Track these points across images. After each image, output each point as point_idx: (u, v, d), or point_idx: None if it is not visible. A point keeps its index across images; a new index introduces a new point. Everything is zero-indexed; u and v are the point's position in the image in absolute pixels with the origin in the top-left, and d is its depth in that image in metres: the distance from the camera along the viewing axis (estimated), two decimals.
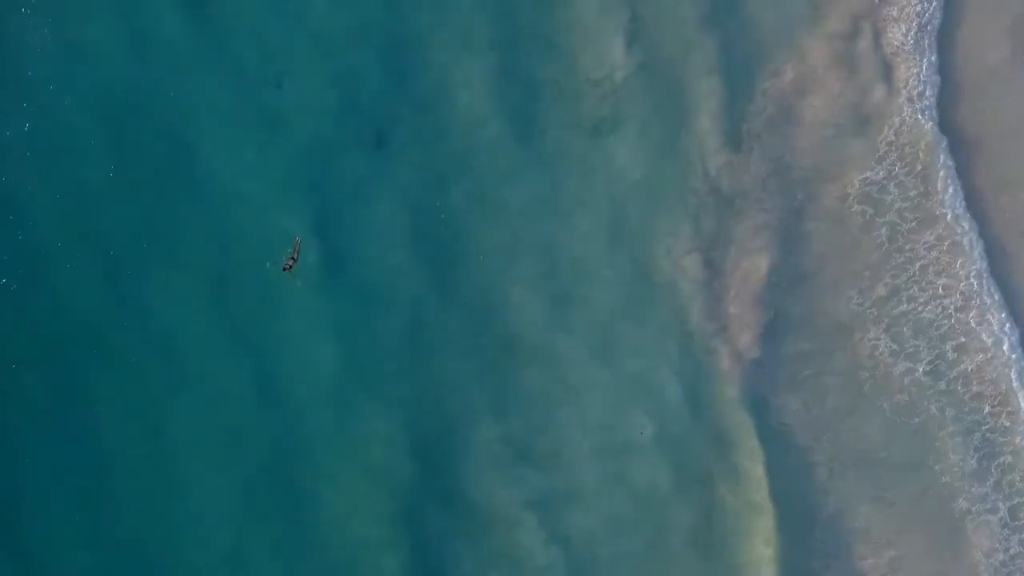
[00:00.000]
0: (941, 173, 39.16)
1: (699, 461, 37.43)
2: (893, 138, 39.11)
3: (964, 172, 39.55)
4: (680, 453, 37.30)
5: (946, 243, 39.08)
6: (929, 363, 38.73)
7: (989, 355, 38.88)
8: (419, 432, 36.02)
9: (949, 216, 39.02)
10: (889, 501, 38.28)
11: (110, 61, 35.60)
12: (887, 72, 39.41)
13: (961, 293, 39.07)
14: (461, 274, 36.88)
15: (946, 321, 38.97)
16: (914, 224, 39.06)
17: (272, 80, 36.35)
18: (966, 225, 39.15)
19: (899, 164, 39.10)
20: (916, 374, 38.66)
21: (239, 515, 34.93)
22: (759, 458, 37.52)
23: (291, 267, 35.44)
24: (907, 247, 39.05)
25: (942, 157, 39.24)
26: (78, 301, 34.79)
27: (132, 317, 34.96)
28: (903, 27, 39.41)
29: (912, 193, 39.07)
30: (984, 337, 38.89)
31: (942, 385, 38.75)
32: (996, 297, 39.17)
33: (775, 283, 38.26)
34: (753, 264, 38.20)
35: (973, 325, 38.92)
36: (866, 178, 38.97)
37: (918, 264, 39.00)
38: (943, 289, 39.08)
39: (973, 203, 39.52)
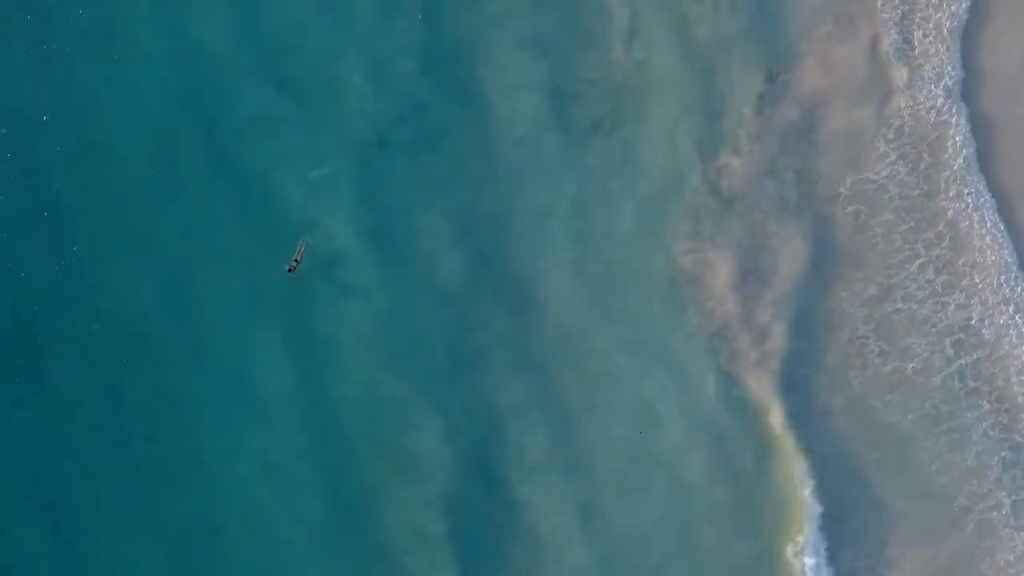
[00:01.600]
0: (953, 173, 39.33)
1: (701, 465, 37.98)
2: (906, 136, 39.26)
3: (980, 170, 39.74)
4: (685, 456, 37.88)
5: (947, 239, 39.17)
6: (922, 361, 38.75)
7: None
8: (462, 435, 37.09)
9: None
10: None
11: (155, 68, 37.44)
12: (896, 71, 39.68)
13: (963, 291, 39.06)
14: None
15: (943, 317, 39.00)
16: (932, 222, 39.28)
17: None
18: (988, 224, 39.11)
19: (904, 163, 39.28)
20: (906, 372, 38.73)
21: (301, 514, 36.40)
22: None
23: (294, 268, 36.59)
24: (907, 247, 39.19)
25: (958, 157, 39.33)
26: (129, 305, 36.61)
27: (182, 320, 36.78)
28: (921, 29, 39.75)
29: (915, 193, 39.19)
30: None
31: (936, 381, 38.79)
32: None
33: (774, 283, 38.62)
34: (753, 264, 38.57)
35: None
36: (868, 177, 39.25)
37: (917, 263, 39.05)
38: (942, 287, 39.06)
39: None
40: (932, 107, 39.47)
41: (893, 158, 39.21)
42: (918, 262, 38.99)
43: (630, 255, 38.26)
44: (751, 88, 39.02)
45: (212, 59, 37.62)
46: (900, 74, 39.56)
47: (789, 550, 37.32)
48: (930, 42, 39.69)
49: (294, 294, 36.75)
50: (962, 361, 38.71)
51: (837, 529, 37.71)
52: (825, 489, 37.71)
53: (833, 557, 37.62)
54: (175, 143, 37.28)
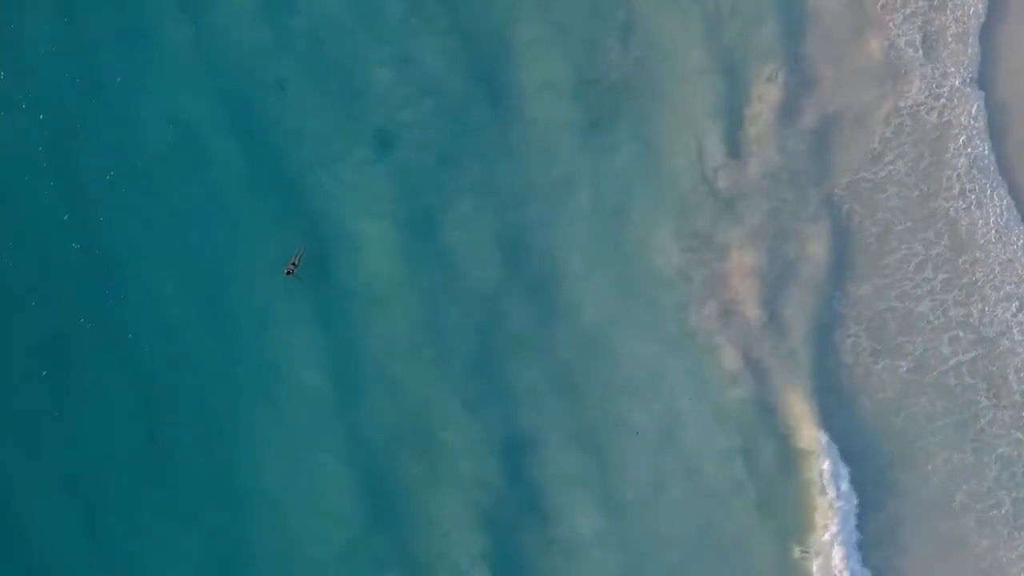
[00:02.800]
0: (957, 172, 39.38)
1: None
2: (907, 135, 39.31)
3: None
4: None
5: (945, 237, 39.24)
6: (914, 359, 38.87)
7: None
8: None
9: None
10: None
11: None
12: (902, 69, 39.60)
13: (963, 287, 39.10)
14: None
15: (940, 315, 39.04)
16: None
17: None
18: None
19: (902, 161, 39.28)
20: (900, 370, 38.81)
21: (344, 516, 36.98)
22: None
23: (292, 271, 37.14)
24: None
25: (962, 155, 39.34)
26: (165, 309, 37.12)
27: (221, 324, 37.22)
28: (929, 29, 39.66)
29: (915, 194, 39.33)
30: None
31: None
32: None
33: (773, 282, 38.71)
34: (751, 263, 38.68)
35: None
36: (865, 176, 39.38)
37: (914, 262, 39.10)
38: (941, 285, 39.02)
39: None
40: (935, 106, 39.39)
41: (891, 157, 39.21)
42: (916, 260, 39.15)
43: (626, 254, 38.46)
44: (750, 89, 39.01)
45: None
46: (906, 72, 39.46)
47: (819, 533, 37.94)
48: (940, 41, 39.59)
49: (323, 295, 37.32)
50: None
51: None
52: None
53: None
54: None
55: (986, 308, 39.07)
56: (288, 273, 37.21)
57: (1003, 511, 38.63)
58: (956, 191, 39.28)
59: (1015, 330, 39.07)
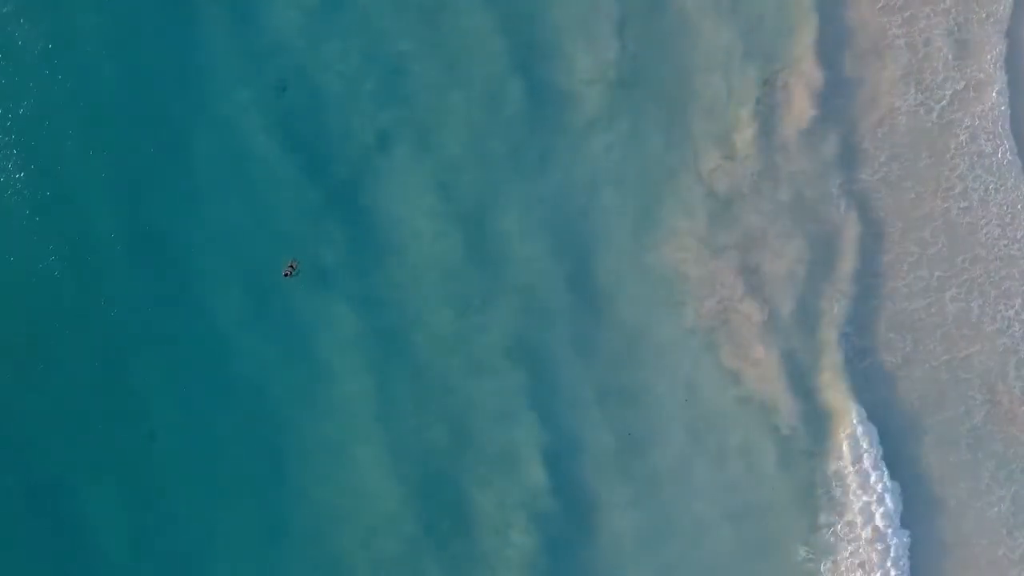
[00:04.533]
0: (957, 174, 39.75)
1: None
2: (900, 137, 39.41)
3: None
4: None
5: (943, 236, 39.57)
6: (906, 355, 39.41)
7: None
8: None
9: None
10: None
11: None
12: (904, 72, 39.73)
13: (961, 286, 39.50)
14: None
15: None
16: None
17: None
18: None
19: (898, 162, 39.58)
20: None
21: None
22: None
23: (290, 273, 37.00)
24: None
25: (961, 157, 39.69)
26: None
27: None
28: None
29: (911, 195, 39.63)
30: None
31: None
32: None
33: (770, 281, 38.84)
34: (749, 262, 38.79)
35: None
36: (861, 176, 39.50)
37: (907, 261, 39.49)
38: (937, 281, 39.49)
39: None
40: (934, 107, 39.62)
41: (889, 157, 39.43)
42: (909, 260, 39.45)
43: (624, 252, 38.50)
44: (748, 91, 39.00)
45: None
46: (905, 72, 39.61)
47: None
48: (940, 42, 39.75)
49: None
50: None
51: None
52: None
53: None
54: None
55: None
56: (286, 275, 37.03)
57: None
58: (957, 190, 39.59)
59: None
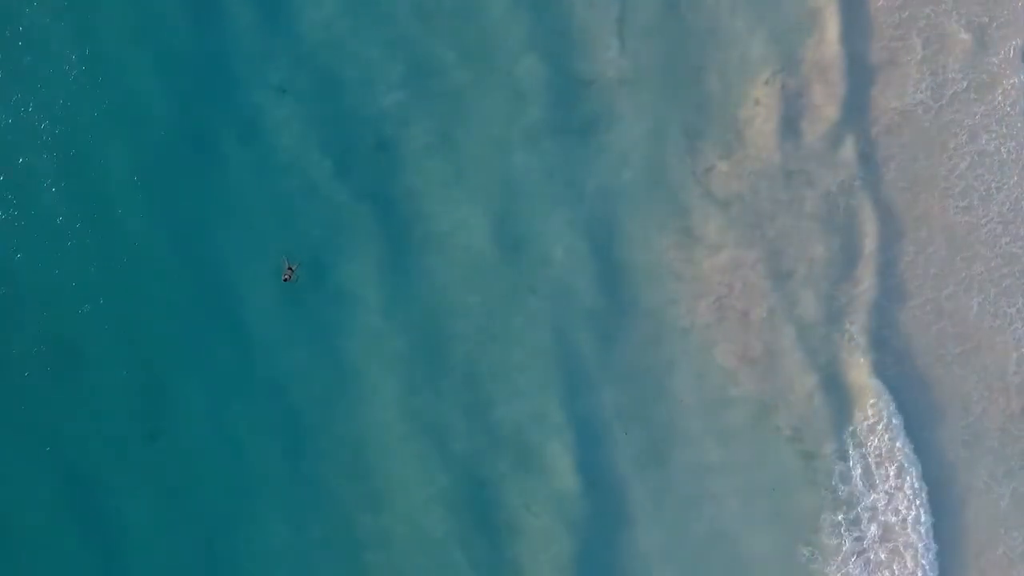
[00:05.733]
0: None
1: None
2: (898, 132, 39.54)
3: None
4: None
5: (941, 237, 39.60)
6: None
7: None
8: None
9: None
10: None
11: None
12: (902, 73, 39.80)
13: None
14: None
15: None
16: None
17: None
18: None
19: (895, 162, 39.64)
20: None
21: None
22: None
23: (289, 277, 36.87)
24: None
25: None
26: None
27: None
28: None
29: (906, 195, 39.78)
30: None
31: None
32: None
33: (768, 279, 38.94)
34: (745, 259, 38.85)
35: None
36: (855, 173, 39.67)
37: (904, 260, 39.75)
38: (932, 282, 39.82)
39: None
40: (932, 107, 39.69)
41: (886, 157, 39.57)
42: (906, 259, 39.68)
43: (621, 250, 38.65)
44: (744, 91, 38.94)
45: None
46: (903, 74, 39.62)
47: None
48: (940, 43, 39.75)
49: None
50: None
51: None
52: None
53: None
54: None
55: None
56: (286, 279, 36.94)
57: None
58: (958, 189, 39.80)
59: None
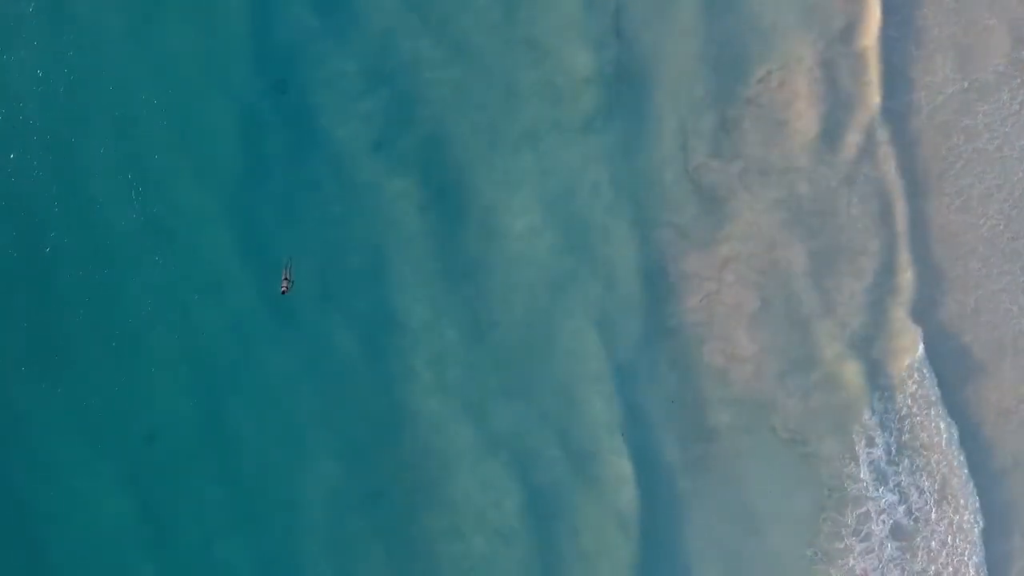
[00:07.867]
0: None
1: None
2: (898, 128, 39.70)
3: None
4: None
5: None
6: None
7: None
8: None
9: None
10: None
11: None
12: (899, 72, 39.80)
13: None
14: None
15: None
16: None
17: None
18: None
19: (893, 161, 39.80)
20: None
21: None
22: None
23: (287, 289, 36.33)
24: None
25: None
26: None
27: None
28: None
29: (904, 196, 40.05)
30: None
31: None
32: None
33: (764, 277, 38.97)
34: (740, 256, 38.86)
35: None
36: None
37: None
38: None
39: None
40: (928, 107, 39.83)
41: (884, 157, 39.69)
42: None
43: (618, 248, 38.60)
44: (739, 90, 38.78)
45: None
46: (900, 73, 39.64)
47: None
48: (939, 44, 39.80)
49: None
50: None
51: None
52: None
53: None
54: None
55: None
56: (284, 292, 36.48)
57: None
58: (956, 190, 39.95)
59: None
